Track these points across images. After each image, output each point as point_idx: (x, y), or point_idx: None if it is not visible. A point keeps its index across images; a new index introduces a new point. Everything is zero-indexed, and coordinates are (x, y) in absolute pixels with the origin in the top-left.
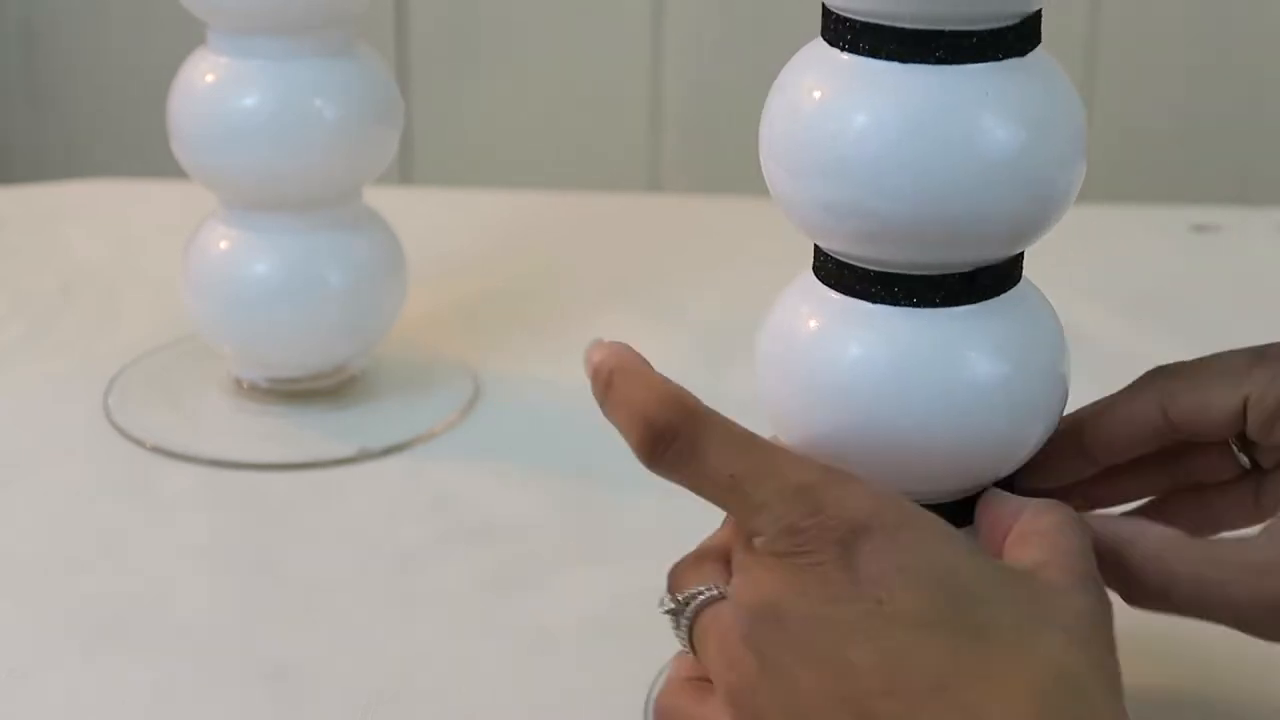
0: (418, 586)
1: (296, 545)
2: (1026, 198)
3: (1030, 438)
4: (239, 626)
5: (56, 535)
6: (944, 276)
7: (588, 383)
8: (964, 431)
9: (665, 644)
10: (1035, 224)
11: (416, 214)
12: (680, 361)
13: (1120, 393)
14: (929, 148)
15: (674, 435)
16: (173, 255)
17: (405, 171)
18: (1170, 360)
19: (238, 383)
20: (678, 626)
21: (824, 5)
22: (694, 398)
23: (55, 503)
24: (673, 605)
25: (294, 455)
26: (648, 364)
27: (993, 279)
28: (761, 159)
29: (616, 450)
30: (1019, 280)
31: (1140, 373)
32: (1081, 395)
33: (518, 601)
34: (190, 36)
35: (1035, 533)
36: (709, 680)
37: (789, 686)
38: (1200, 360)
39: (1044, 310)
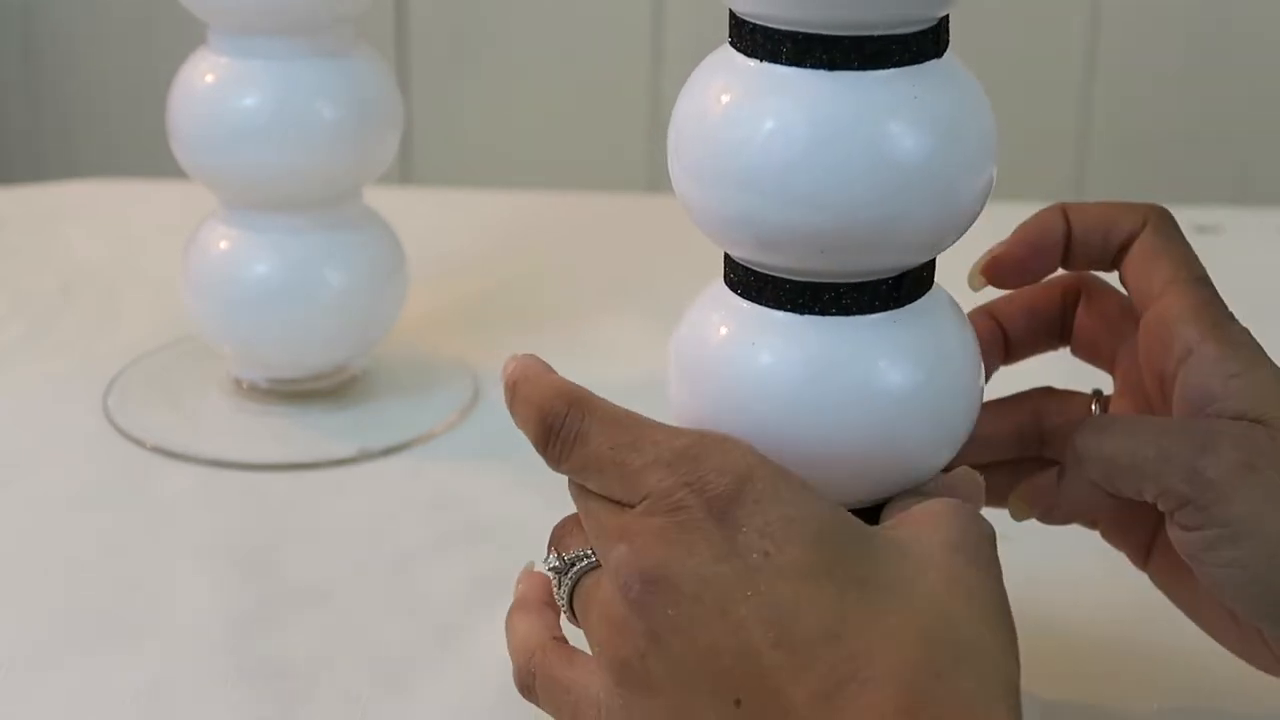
0: (418, 586)
1: (296, 545)
2: (936, 205)
3: (944, 444)
4: (239, 626)
5: (56, 535)
6: (854, 284)
7: (583, 384)
8: (877, 439)
9: None
10: (945, 231)
11: (416, 214)
12: None
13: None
14: (837, 155)
15: (560, 421)
16: (173, 255)
17: (405, 171)
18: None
19: (238, 383)
20: (558, 586)
21: (730, 11)
22: (584, 389)
23: (55, 503)
24: (556, 563)
25: (294, 455)
26: (550, 369)
27: (904, 286)
28: (669, 166)
29: None
30: (931, 286)
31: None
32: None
33: None
34: (190, 36)
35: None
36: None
37: (682, 650)
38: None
39: (956, 316)
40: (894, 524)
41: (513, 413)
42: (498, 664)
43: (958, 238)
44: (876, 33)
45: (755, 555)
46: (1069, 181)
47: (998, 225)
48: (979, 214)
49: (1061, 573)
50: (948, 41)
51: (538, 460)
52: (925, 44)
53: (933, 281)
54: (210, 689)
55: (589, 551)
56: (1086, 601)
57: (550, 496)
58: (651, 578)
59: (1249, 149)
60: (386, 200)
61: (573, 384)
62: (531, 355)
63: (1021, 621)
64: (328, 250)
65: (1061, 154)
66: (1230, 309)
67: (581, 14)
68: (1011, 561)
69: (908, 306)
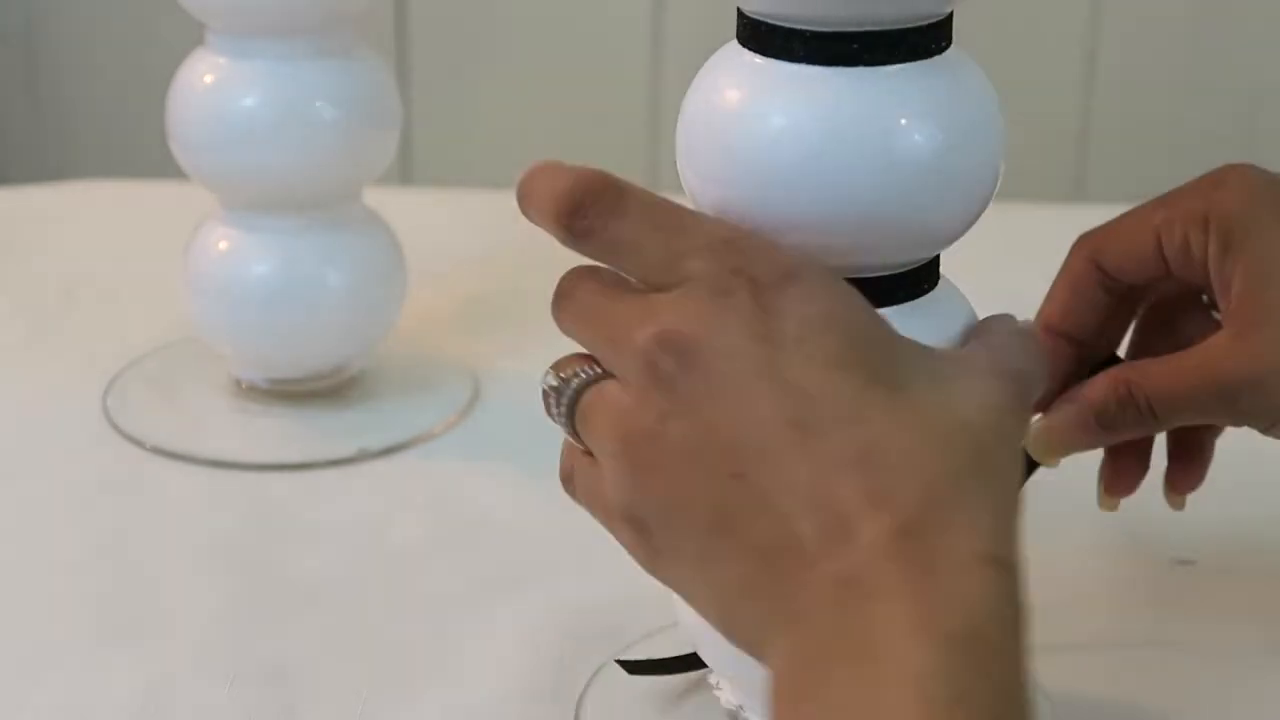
0: (417, 586)
1: (296, 545)
2: (944, 200)
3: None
4: (239, 626)
5: (56, 535)
6: (863, 280)
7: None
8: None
9: (665, 643)
10: (954, 226)
11: (416, 214)
12: None
13: (1059, 278)
14: (847, 151)
15: (595, 199)
16: (172, 256)
17: (405, 171)
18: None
19: (237, 383)
20: (557, 405)
21: (738, 9)
22: (609, 173)
23: (55, 503)
24: (555, 382)
25: (294, 455)
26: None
27: (912, 281)
28: (678, 164)
29: None
30: (937, 281)
31: None
32: None
33: (516, 601)
34: (190, 37)
35: (981, 331)
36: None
37: (694, 423)
38: (1116, 217)
39: (963, 308)
40: (937, 352)
41: (529, 192)
42: (498, 663)
43: (965, 231)
44: (884, 28)
45: (790, 341)
46: (1069, 181)
47: (1000, 224)
48: (986, 208)
49: (1062, 571)
50: (951, 36)
51: (538, 460)
52: (932, 39)
53: (939, 275)
54: (210, 689)
55: (585, 369)
56: (1083, 602)
57: (550, 496)
58: (675, 347)
59: (1249, 149)
60: (386, 200)
61: (597, 169)
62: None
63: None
64: (328, 250)
65: (1061, 154)
66: None
67: (581, 14)
68: None
69: (914, 301)
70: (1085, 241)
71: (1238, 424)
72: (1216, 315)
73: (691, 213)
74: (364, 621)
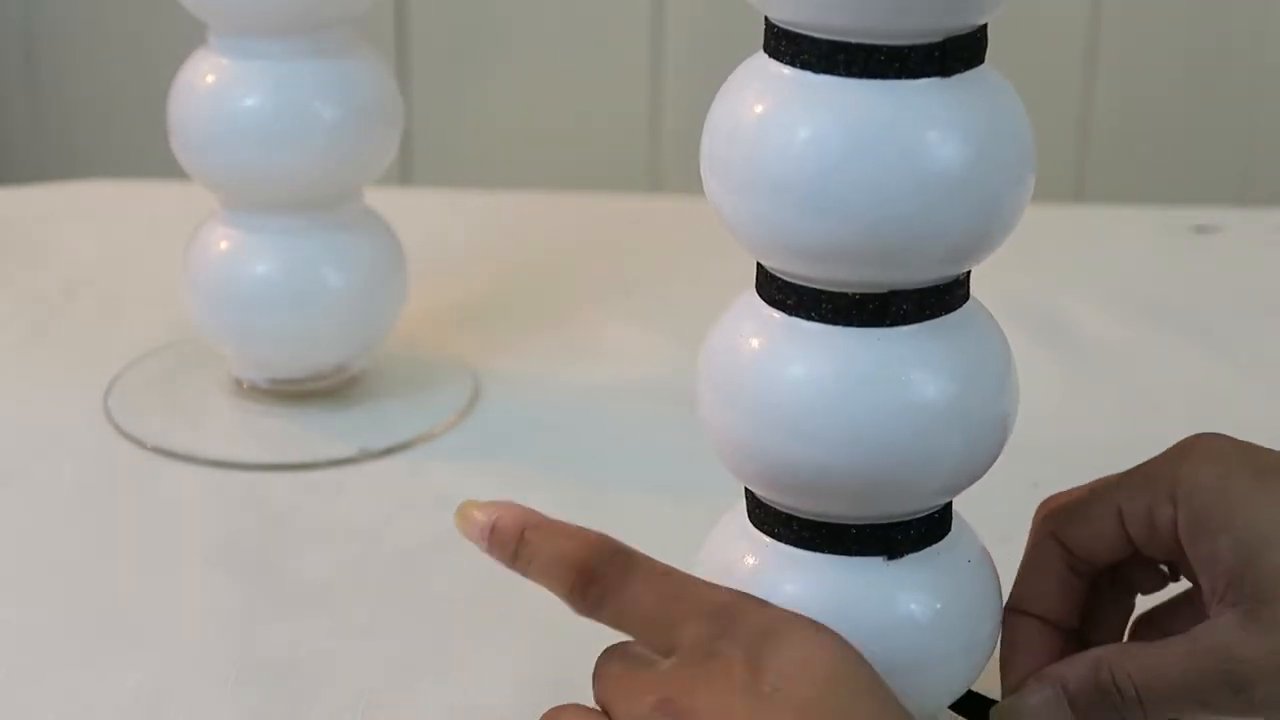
0: (418, 586)
1: (296, 545)
2: (972, 215)
3: (977, 458)
4: (239, 626)
5: (57, 535)
6: (889, 294)
7: (579, 401)
8: (910, 452)
9: None
10: (981, 242)
11: (416, 214)
12: (677, 363)
13: (1025, 556)
14: (872, 164)
15: (603, 569)
16: (173, 255)
17: (405, 171)
18: (1168, 357)
19: (238, 383)
20: None
21: (766, 18)
22: (614, 539)
23: (55, 503)
24: None
25: (294, 455)
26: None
27: (940, 298)
28: (702, 174)
29: (616, 450)
30: (967, 298)
31: (1142, 375)
32: (1083, 394)
33: (517, 602)
34: (190, 37)
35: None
36: None
37: None
38: (1080, 489)
39: (992, 328)
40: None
41: (534, 555)
42: (498, 663)
43: (995, 248)
44: (913, 41)
45: (767, 691)
46: (1069, 181)
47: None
48: (1016, 225)
49: None
50: (985, 50)
51: (537, 461)
52: (962, 52)
53: (969, 293)
54: (210, 689)
55: None
56: None
57: (550, 497)
58: (679, 712)
59: (1249, 149)
60: (386, 200)
61: (597, 532)
62: (513, 503)
63: None
64: (328, 250)
65: (1061, 154)
66: (1227, 313)
67: (581, 14)
68: (1013, 563)
69: (943, 318)
70: (1048, 518)
71: (1240, 714)
72: (1166, 571)
73: (692, 580)
74: (364, 621)
